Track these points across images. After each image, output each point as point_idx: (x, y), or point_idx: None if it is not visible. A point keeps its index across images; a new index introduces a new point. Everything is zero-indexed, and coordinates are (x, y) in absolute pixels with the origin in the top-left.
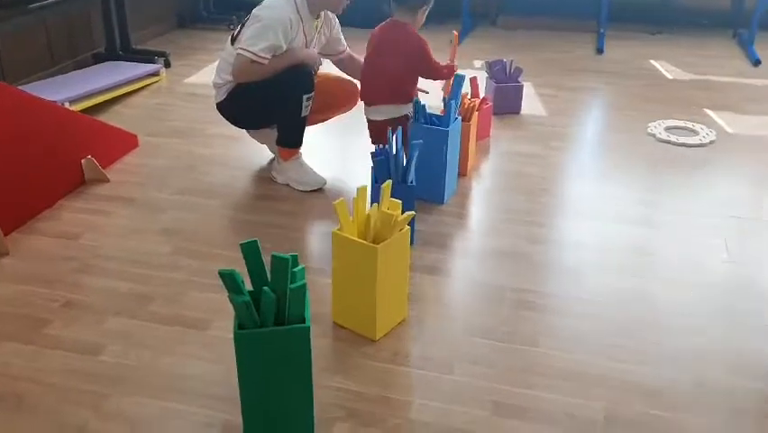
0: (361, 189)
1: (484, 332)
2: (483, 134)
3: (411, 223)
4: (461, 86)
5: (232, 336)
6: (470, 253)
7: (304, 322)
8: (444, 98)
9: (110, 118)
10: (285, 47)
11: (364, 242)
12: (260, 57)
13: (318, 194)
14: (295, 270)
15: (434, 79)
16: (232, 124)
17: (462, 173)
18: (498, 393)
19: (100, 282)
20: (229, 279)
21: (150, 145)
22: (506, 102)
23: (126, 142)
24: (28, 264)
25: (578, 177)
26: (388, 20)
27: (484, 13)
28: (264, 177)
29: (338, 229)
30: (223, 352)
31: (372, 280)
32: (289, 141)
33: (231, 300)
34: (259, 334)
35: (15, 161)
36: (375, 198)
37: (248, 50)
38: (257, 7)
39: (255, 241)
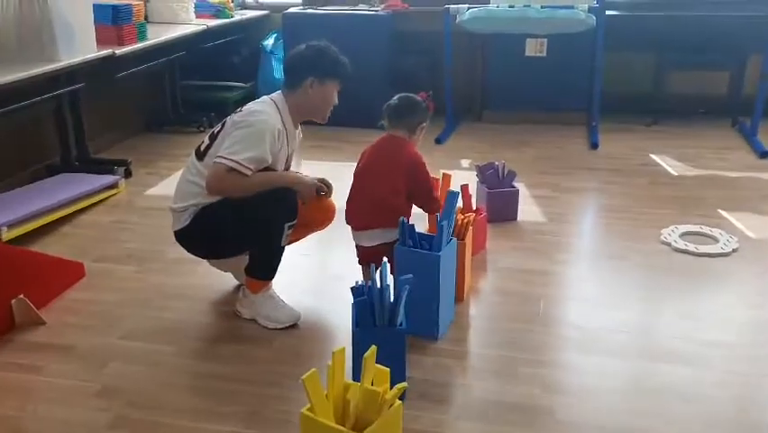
0: (337, 354)
1: None
2: (478, 248)
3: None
4: (455, 204)
5: None
6: (476, 410)
7: None
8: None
9: (54, 242)
10: (270, 160)
11: (342, 429)
12: (242, 166)
13: (291, 331)
14: None
15: (427, 211)
16: (193, 254)
17: (459, 299)
18: None
19: None
20: None
21: (98, 275)
22: (500, 209)
23: (70, 273)
24: None
25: (594, 299)
26: (383, 135)
27: (468, 108)
28: (229, 311)
29: (308, 409)
30: None
31: None
32: (262, 272)
33: None
34: None
35: None
36: (356, 346)
37: (228, 159)
38: (238, 113)
39: None
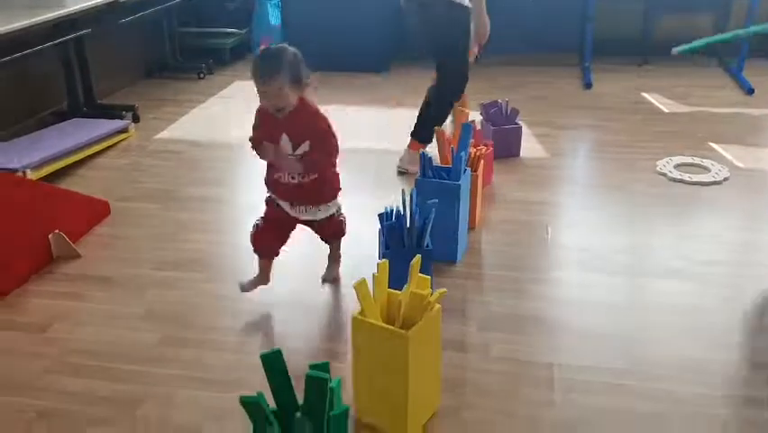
0: (382, 265)
1: (532, 423)
2: (486, 182)
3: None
4: (470, 136)
5: None
6: (497, 321)
7: None
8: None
9: (75, 184)
10: None
11: (393, 328)
12: None
13: (313, 261)
14: (332, 385)
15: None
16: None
17: (471, 227)
18: None
19: (77, 385)
20: (255, 409)
21: (122, 212)
22: (504, 146)
23: (96, 211)
24: None
25: (597, 225)
26: None
27: None
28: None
29: (359, 313)
30: None
31: (404, 370)
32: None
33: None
34: None
35: None
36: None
37: None
38: None
39: (278, 351)
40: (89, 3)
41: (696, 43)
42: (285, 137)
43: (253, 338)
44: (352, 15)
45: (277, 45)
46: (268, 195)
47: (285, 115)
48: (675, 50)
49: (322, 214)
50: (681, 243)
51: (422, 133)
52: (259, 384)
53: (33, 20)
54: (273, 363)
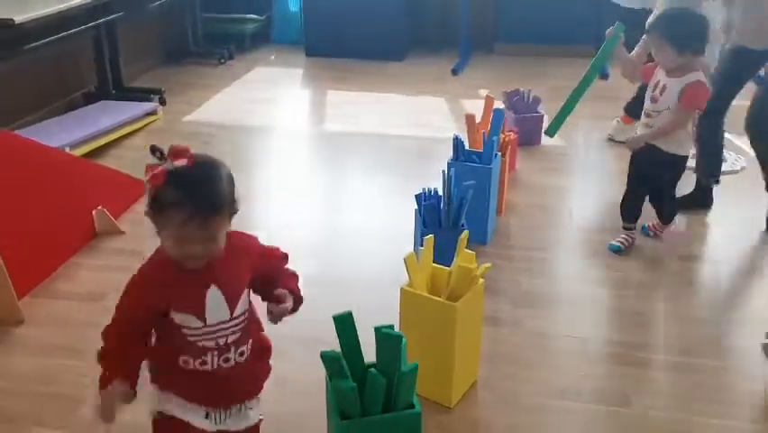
0: (428, 240)
1: (566, 393)
2: (511, 167)
3: None
4: (502, 121)
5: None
6: (529, 299)
7: (413, 408)
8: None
9: (110, 163)
10: None
11: (442, 300)
12: None
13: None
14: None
15: None
16: None
17: (499, 211)
18: None
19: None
20: (334, 363)
21: None
22: (526, 133)
23: (134, 189)
24: (50, 333)
25: (616, 210)
26: None
27: (479, 40)
28: (289, 224)
29: (408, 285)
30: (275, 429)
31: (450, 340)
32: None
33: (333, 387)
34: (368, 423)
35: (21, 216)
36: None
37: None
38: None
39: (349, 313)
40: None
41: (559, 115)
42: (213, 293)
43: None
44: (369, 3)
45: (203, 157)
46: (158, 413)
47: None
48: (548, 133)
49: (254, 415)
50: (701, 229)
51: (632, 109)
52: (293, 354)
53: (71, 2)
54: (345, 323)
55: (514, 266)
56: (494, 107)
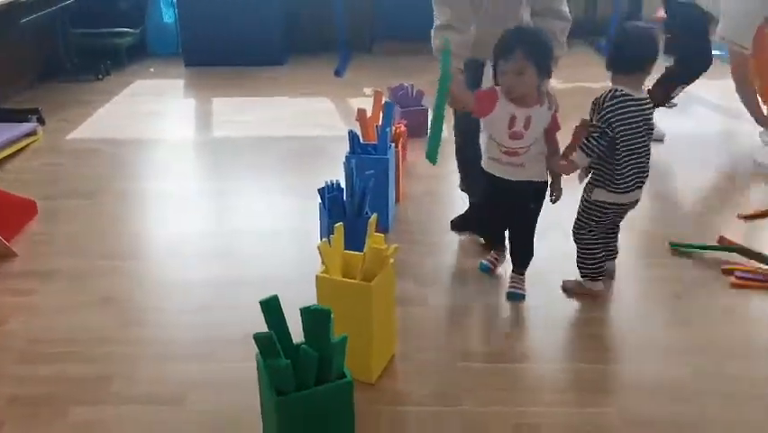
0: (338, 228)
1: (474, 356)
2: (402, 158)
3: None
4: (393, 113)
5: (211, 408)
6: (432, 278)
7: (344, 377)
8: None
9: None
10: None
11: (357, 282)
12: None
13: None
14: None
15: None
16: None
17: (397, 199)
18: (515, 416)
19: (46, 370)
20: (267, 343)
21: (50, 210)
22: (412, 126)
23: (24, 210)
24: None
25: None
26: None
27: (357, 42)
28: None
29: (323, 272)
30: (211, 426)
31: (368, 319)
32: None
33: (266, 366)
34: (304, 397)
35: None
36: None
37: None
38: None
39: (275, 297)
40: None
41: (431, 141)
42: None
43: (212, 313)
44: (246, 10)
45: None
46: None
47: None
48: (429, 159)
49: None
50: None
51: None
52: (223, 354)
53: None
54: (271, 307)
55: (416, 249)
56: (384, 101)
